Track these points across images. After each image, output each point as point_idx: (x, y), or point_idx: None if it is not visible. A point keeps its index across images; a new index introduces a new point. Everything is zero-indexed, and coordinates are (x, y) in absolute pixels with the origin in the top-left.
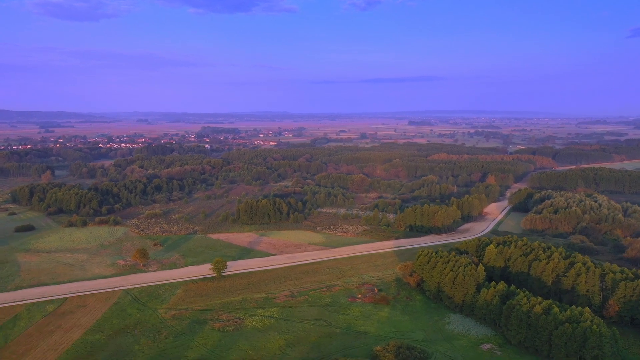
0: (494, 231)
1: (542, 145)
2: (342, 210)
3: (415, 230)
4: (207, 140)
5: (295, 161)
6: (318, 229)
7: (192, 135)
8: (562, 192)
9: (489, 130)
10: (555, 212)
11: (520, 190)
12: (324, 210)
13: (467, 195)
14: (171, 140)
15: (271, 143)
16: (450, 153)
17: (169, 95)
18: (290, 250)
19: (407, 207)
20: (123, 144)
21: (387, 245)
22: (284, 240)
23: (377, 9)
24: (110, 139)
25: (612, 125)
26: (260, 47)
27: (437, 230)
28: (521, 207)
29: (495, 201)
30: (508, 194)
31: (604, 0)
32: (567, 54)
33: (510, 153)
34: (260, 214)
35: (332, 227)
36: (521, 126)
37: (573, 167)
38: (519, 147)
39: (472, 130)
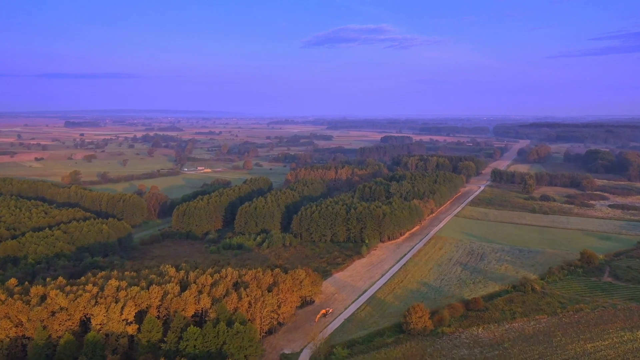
0: None
1: (232, 163)
2: None
3: None
4: None
5: None
6: None
7: None
8: None
9: (167, 133)
10: None
11: None
12: None
13: None
14: None
15: None
16: None
17: None
18: None
19: None
20: None
21: None
22: None
23: None
24: None
25: (301, 125)
26: None
27: None
28: None
29: None
30: None
31: (284, 14)
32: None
33: (170, 212)
34: None
35: None
36: (209, 127)
37: None
38: (201, 169)
39: (139, 134)
